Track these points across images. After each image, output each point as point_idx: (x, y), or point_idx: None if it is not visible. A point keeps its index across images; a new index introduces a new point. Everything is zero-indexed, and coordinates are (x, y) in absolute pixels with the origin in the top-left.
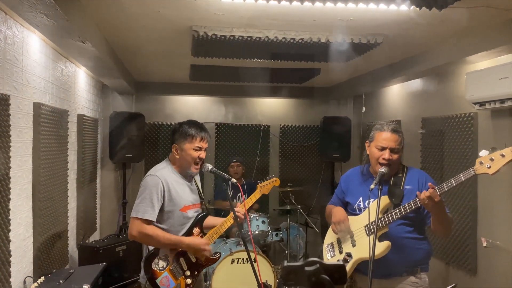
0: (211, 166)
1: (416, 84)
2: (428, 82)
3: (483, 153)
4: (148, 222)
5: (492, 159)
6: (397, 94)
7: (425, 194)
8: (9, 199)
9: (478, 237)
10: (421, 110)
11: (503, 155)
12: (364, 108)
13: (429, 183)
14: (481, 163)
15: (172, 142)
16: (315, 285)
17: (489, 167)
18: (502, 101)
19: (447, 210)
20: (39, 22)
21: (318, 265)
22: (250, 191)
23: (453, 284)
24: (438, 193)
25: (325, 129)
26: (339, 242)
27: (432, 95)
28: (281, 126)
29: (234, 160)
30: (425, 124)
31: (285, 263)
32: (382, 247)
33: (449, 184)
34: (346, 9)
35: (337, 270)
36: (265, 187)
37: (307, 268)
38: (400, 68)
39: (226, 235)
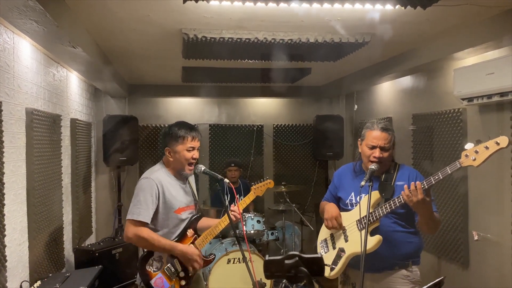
0: (204, 167)
1: (406, 81)
2: (418, 79)
3: (468, 146)
4: (143, 224)
5: (476, 152)
6: (388, 92)
7: (404, 193)
8: (4, 204)
9: (469, 230)
10: (412, 107)
11: (487, 147)
12: (356, 106)
13: (412, 183)
14: (466, 156)
15: (164, 146)
16: (295, 277)
17: (474, 160)
18: (489, 96)
19: (435, 208)
20: (29, 28)
21: (297, 258)
22: (246, 191)
23: (441, 277)
24: (426, 187)
25: (318, 128)
26: (332, 237)
27: (422, 92)
28: (274, 126)
29: (232, 165)
30: (416, 120)
31: (267, 257)
32: (373, 241)
33: (436, 177)
34: (333, 9)
35: (315, 263)
36: (259, 189)
37: (287, 261)
38: (390, 66)
39: (222, 235)
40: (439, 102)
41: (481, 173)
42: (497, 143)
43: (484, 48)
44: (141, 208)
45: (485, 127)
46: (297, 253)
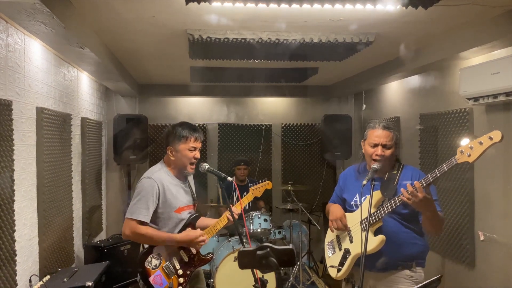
0: (208, 166)
1: (414, 80)
2: (425, 78)
3: (464, 142)
4: (142, 223)
5: (471, 148)
6: (396, 91)
7: (405, 194)
8: (14, 200)
9: (475, 231)
10: (419, 107)
11: (481, 143)
12: (364, 106)
13: (408, 183)
14: (461, 152)
15: (167, 144)
16: (265, 267)
17: (469, 156)
18: (494, 96)
19: (439, 208)
20: (38, 30)
21: (268, 249)
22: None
23: (438, 275)
24: (424, 185)
25: (326, 127)
26: (338, 239)
27: (430, 91)
28: (282, 125)
29: (242, 163)
30: (423, 120)
31: (241, 249)
32: (376, 241)
33: (434, 175)
34: (335, 10)
35: (286, 254)
36: (257, 190)
37: (258, 252)
38: (396, 65)
39: (230, 233)
40: (446, 102)
41: (487, 174)
42: (491, 138)
43: (489, 48)
44: (141, 207)
45: (491, 126)
46: (269, 244)
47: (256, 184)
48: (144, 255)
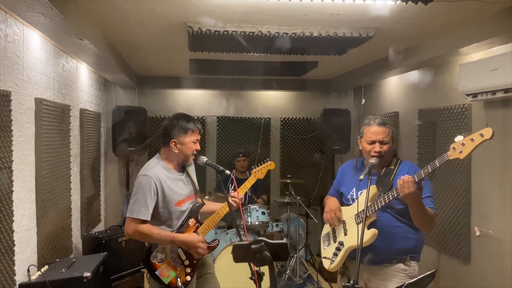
0: (206, 159)
1: (413, 76)
2: (424, 74)
3: (457, 138)
4: (143, 221)
5: (463, 144)
6: (395, 86)
7: (401, 181)
8: (12, 191)
9: (471, 226)
10: (418, 102)
11: (472, 139)
12: (363, 100)
13: (401, 176)
14: (454, 148)
15: (170, 138)
16: (259, 260)
17: (461, 152)
18: (493, 92)
19: (432, 205)
20: (37, 21)
21: (262, 244)
22: (255, 183)
23: (433, 270)
24: (417, 180)
25: (325, 121)
26: (333, 231)
27: (429, 86)
28: (281, 119)
29: (241, 155)
30: (422, 115)
31: (236, 242)
32: (368, 234)
33: (426, 170)
34: (335, 4)
35: (280, 248)
36: (259, 171)
37: (253, 246)
38: (395, 61)
39: (228, 226)
40: (445, 98)
41: (484, 169)
42: (482, 135)
43: (489, 44)
44: (141, 206)
45: (490, 123)
46: (264, 238)
47: (257, 167)
48: (149, 249)
